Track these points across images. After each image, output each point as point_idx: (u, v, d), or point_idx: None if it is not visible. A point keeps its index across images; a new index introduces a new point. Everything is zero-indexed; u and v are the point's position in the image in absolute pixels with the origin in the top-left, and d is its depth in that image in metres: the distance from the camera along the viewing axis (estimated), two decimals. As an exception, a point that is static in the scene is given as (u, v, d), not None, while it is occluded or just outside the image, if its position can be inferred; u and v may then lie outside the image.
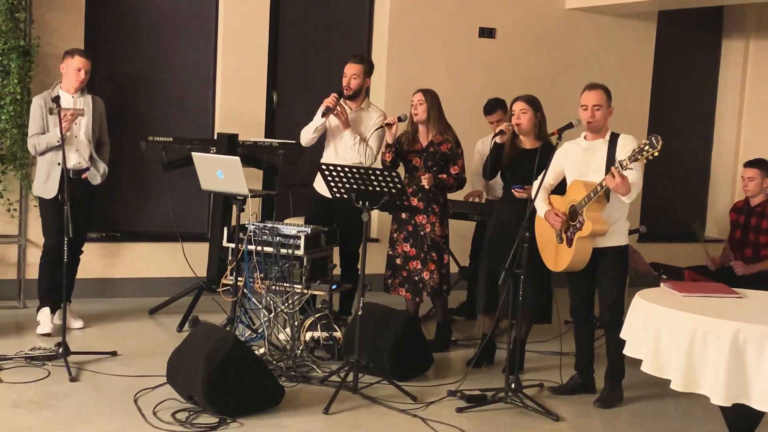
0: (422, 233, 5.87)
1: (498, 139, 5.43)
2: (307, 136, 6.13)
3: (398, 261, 5.95)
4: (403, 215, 5.90)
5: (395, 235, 5.98)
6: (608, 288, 5.06)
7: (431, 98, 5.89)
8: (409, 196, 5.12)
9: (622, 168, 4.66)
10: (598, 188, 4.79)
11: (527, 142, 5.49)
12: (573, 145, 5.18)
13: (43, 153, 5.82)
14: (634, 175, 4.79)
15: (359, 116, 6.12)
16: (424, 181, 5.75)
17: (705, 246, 6.76)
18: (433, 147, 5.87)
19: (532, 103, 5.45)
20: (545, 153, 5.17)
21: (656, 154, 4.51)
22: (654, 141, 4.49)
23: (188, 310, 6.33)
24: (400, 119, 5.85)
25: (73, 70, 5.79)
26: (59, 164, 5.63)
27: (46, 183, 5.84)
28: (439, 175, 5.83)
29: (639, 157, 4.57)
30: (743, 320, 3.83)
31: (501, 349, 5.72)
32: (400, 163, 5.96)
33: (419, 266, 5.87)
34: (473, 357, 5.59)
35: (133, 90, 7.27)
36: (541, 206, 5.11)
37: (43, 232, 6.01)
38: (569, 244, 4.99)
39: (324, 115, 5.96)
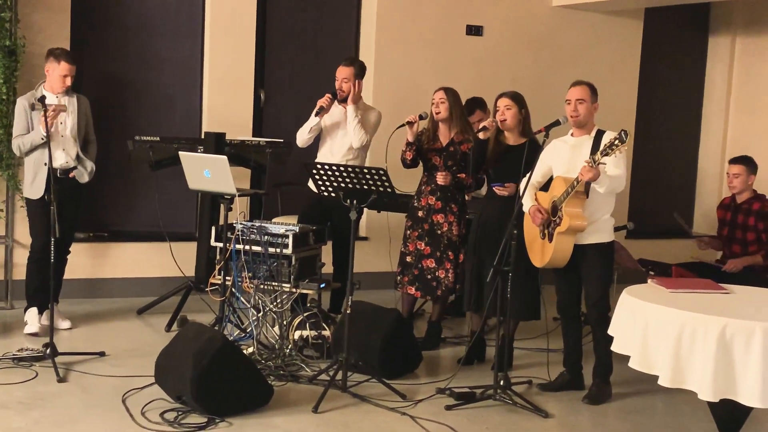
0: (439, 232, 5.85)
1: (481, 135, 5.44)
2: (303, 136, 6.13)
3: (409, 258, 5.93)
4: (420, 213, 5.90)
5: (408, 232, 5.96)
6: (593, 285, 5.07)
7: (453, 97, 5.86)
8: (396, 194, 5.11)
9: (595, 163, 4.68)
10: (575, 183, 4.80)
11: (512, 139, 5.50)
12: (560, 142, 5.20)
13: (28, 153, 5.79)
14: (616, 171, 4.82)
15: None
16: (440, 179, 5.75)
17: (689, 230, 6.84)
18: (453, 146, 5.84)
19: (517, 99, 5.46)
20: (532, 150, 5.18)
21: (626, 147, 4.58)
22: (623, 135, 4.55)
23: (176, 310, 6.31)
24: (421, 117, 5.84)
25: (59, 76, 5.75)
26: (46, 164, 5.61)
27: (32, 184, 5.83)
28: (458, 175, 5.82)
29: (609, 151, 4.60)
30: (730, 316, 3.84)
31: (491, 347, 5.72)
32: (420, 162, 5.96)
33: (434, 265, 5.86)
34: (464, 355, 5.60)
35: (120, 89, 7.25)
36: (527, 202, 5.12)
37: (30, 233, 5.98)
38: (550, 239, 5.01)
39: (318, 114, 5.96)
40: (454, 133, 5.86)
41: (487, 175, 5.60)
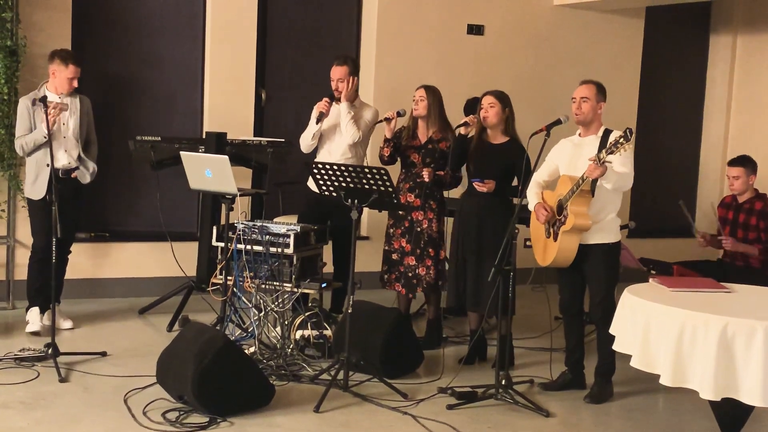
0: (419, 229, 5.86)
1: (462, 130, 5.52)
2: (307, 142, 6.13)
3: (394, 256, 5.94)
4: (399, 211, 5.91)
5: (391, 230, 5.98)
6: (597, 285, 5.06)
7: (433, 95, 5.89)
8: (398, 194, 5.11)
9: (600, 161, 4.68)
10: (580, 181, 4.80)
11: (494, 137, 5.55)
12: (567, 141, 5.20)
13: (31, 153, 5.80)
14: (623, 168, 4.83)
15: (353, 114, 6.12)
16: (425, 175, 5.75)
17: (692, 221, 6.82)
18: (432, 144, 5.87)
19: (501, 98, 5.52)
20: (512, 149, 5.27)
21: (631, 145, 4.61)
22: (628, 134, 4.57)
23: (178, 310, 6.31)
24: (399, 114, 5.87)
25: (66, 79, 5.76)
26: (48, 165, 5.61)
27: (34, 184, 5.83)
28: (437, 172, 5.82)
29: (614, 149, 4.61)
30: (731, 314, 3.84)
31: (492, 346, 5.72)
32: (398, 159, 5.97)
33: (414, 262, 5.87)
34: (466, 354, 5.59)
35: (121, 89, 7.25)
36: (532, 200, 5.12)
37: (32, 233, 5.99)
38: (555, 238, 5.00)
39: (318, 121, 5.96)
40: (432, 132, 5.89)
41: (468, 171, 5.63)
